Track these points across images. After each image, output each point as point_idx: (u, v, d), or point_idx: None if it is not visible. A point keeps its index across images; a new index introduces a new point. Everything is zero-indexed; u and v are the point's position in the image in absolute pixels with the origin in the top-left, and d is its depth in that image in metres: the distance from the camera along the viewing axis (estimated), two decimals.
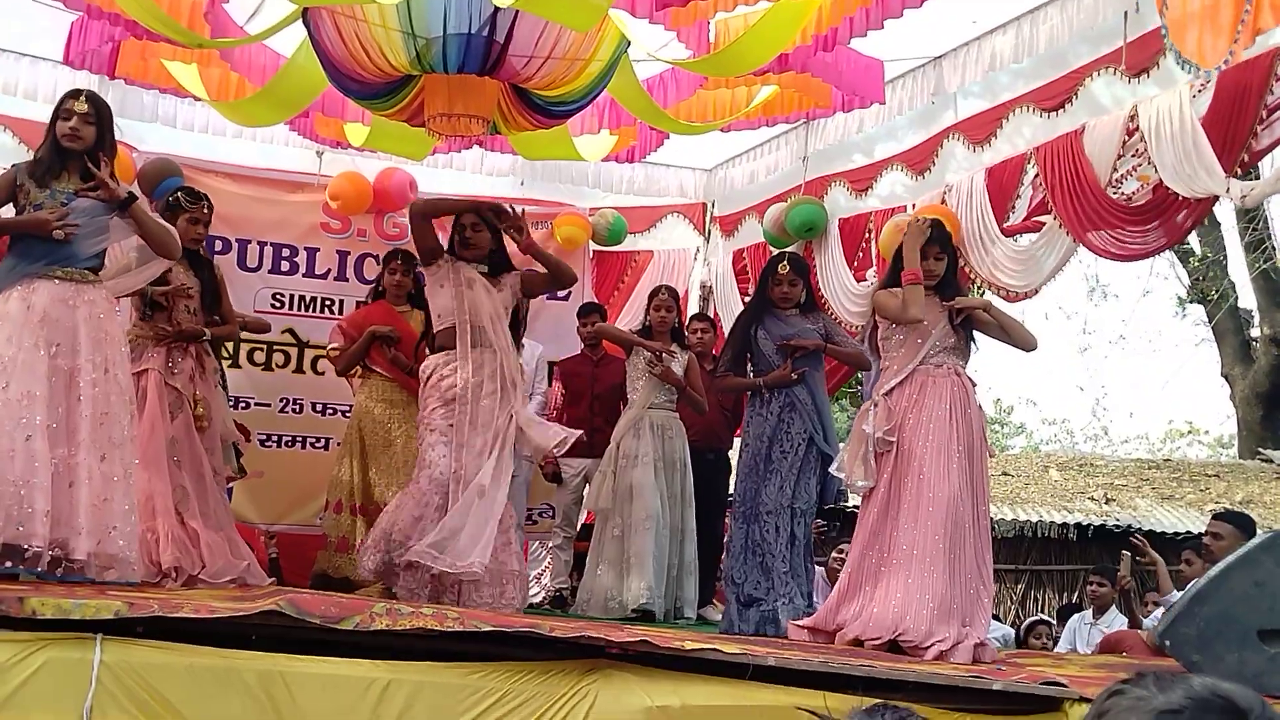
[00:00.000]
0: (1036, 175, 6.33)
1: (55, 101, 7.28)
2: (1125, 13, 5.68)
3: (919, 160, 7.27)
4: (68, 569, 4.53)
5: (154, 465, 5.62)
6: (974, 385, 5.27)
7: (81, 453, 4.65)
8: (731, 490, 6.43)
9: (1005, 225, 6.57)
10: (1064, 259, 6.33)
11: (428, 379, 5.95)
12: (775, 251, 8.24)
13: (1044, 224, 6.29)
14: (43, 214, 4.73)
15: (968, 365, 5.35)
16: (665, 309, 7.04)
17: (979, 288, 6.82)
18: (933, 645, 4.67)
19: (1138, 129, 5.72)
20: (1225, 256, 17.75)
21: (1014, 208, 6.56)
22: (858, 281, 7.53)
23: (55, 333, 4.69)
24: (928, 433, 5.05)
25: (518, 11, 5.34)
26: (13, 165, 4.98)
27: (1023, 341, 5.39)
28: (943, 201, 6.89)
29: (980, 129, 6.83)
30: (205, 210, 6.23)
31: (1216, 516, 6.65)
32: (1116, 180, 5.90)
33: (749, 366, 6.42)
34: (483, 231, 6.13)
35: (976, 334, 5.39)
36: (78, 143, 4.86)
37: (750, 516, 6.11)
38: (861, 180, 7.74)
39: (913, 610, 4.80)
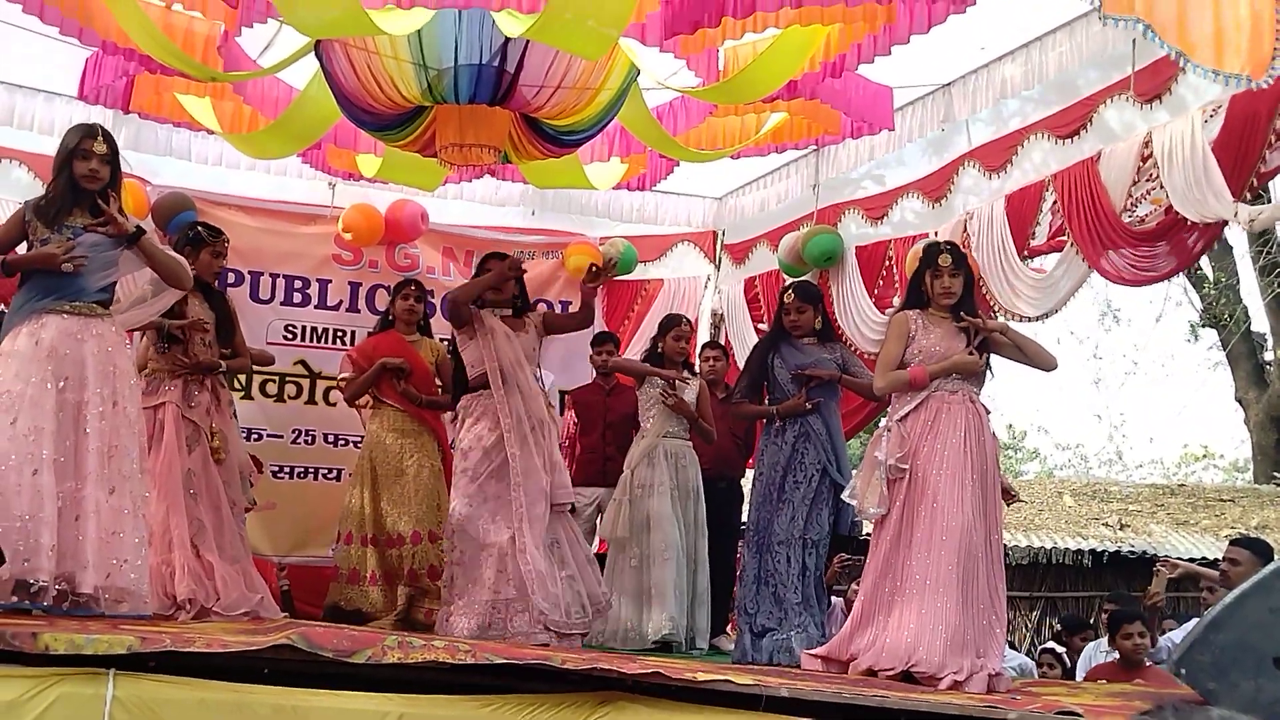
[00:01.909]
0: (1055, 202, 6.33)
1: None
2: (1134, 40, 5.69)
3: (935, 187, 7.26)
4: (74, 603, 4.51)
5: (170, 498, 5.66)
6: (988, 413, 5.22)
7: (89, 486, 4.63)
8: (745, 519, 6.40)
9: (1030, 247, 6.56)
10: (1078, 284, 6.33)
11: (462, 425, 6.05)
12: (788, 280, 8.25)
13: (1064, 243, 6.28)
14: (50, 248, 4.73)
15: (982, 391, 5.31)
16: (685, 339, 7.07)
17: (996, 315, 6.78)
18: (947, 675, 4.64)
19: (1151, 155, 5.73)
20: (1238, 281, 17.72)
21: (1034, 234, 6.55)
22: (881, 311, 7.50)
23: (63, 366, 4.69)
24: (942, 460, 5.01)
25: (528, 42, 5.38)
26: (22, 203, 4.98)
27: (1042, 362, 5.33)
28: (964, 229, 6.88)
29: (996, 156, 6.82)
30: (224, 244, 6.29)
31: (1234, 542, 6.60)
32: (1131, 205, 5.90)
33: (766, 396, 6.41)
34: (508, 281, 6.15)
35: (993, 358, 5.35)
36: (96, 183, 4.86)
37: (763, 546, 6.09)
38: (876, 208, 7.73)
39: (925, 640, 4.76)
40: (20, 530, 4.40)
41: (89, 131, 4.91)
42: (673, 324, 7.13)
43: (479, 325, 6.00)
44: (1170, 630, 7.48)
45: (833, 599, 9.25)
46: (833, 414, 6.29)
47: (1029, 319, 6.55)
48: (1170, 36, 4.41)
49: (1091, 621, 9.69)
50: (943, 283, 5.26)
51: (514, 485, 5.79)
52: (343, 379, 7.18)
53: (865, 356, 7.54)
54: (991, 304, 6.62)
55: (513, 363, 5.93)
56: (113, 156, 4.92)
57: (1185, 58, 4.43)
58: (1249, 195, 5.42)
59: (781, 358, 6.29)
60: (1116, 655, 6.72)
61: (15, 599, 4.42)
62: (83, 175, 4.83)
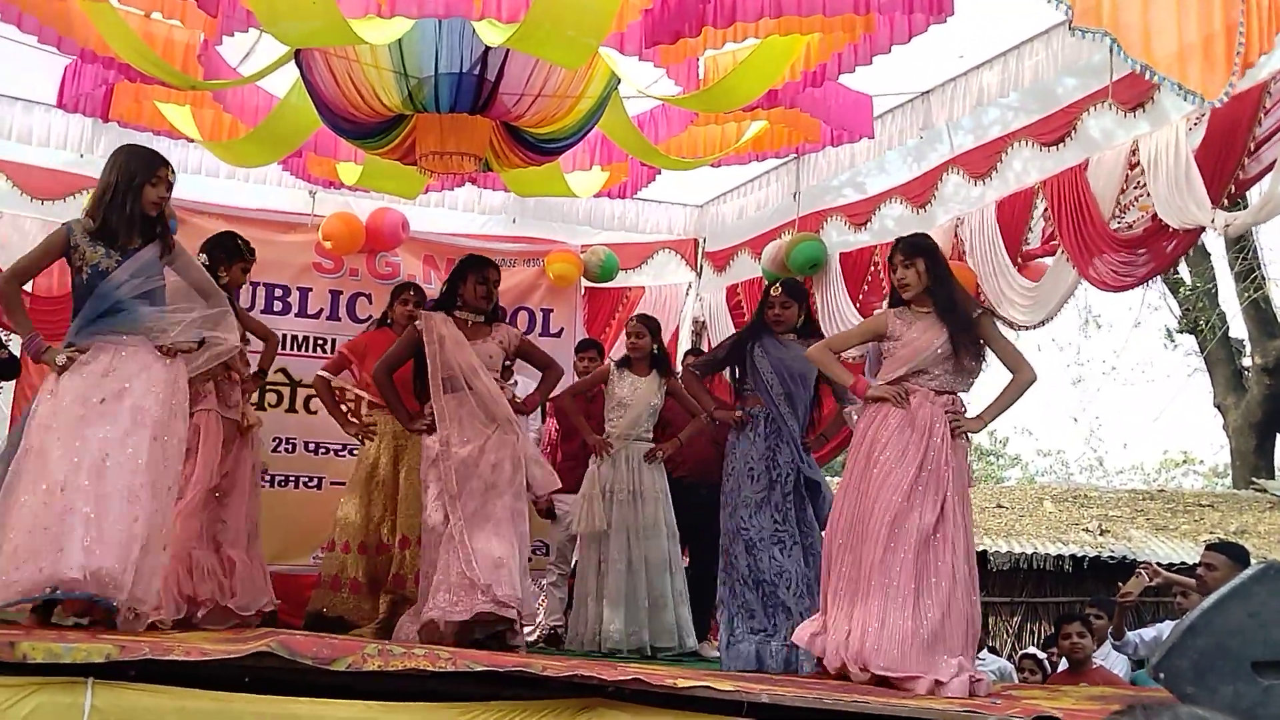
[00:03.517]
0: (1046, 209, 6.37)
1: (49, 144, 7.40)
2: (1110, 49, 5.73)
3: (919, 193, 7.31)
4: (104, 610, 4.52)
5: (201, 502, 5.79)
6: (963, 408, 5.15)
7: (120, 500, 4.59)
8: (734, 521, 6.34)
9: (1025, 252, 6.59)
10: (1069, 291, 6.37)
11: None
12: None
13: (1056, 248, 6.32)
14: (50, 356, 4.74)
15: (970, 385, 5.22)
16: (635, 335, 7.11)
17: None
18: (922, 679, 4.64)
19: (1139, 163, 5.79)
20: (1215, 286, 17.83)
21: (1027, 240, 6.59)
22: (865, 317, 7.53)
23: (110, 384, 4.70)
24: (900, 456, 4.96)
25: (508, 50, 5.39)
26: (64, 224, 4.92)
27: (1019, 369, 5.23)
28: (954, 235, 6.92)
29: (980, 163, 6.88)
30: (252, 263, 6.48)
31: (1210, 547, 6.64)
32: (1119, 212, 5.95)
33: (743, 386, 6.36)
34: (484, 286, 6.14)
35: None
36: (157, 210, 4.92)
37: (750, 546, 6.02)
38: (859, 214, 7.77)
39: (873, 641, 4.73)
40: (51, 540, 4.43)
41: (163, 160, 4.97)
42: (626, 324, 7.33)
43: (426, 336, 6.00)
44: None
45: None
46: (805, 413, 6.24)
47: (1025, 327, 6.58)
48: (1135, 51, 4.48)
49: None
50: (896, 275, 5.23)
51: (459, 482, 5.81)
52: (324, 374, 7.10)
53: (848, 362, 7.57)
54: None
55: (465, 369, 5.92)
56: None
57: (1151, 70, 4.49)
58: (1226, 202, 5.47)
59: (764, 348, 6.22)
60: (1105, 661, 6.79)
61: (47, 590, 4.43)
62: (151, 202, 4.86)
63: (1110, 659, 7.28)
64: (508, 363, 6.37)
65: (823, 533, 6.19)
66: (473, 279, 6.10)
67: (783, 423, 6.12)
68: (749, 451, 6.13)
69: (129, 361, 4.74)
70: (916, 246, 5.26)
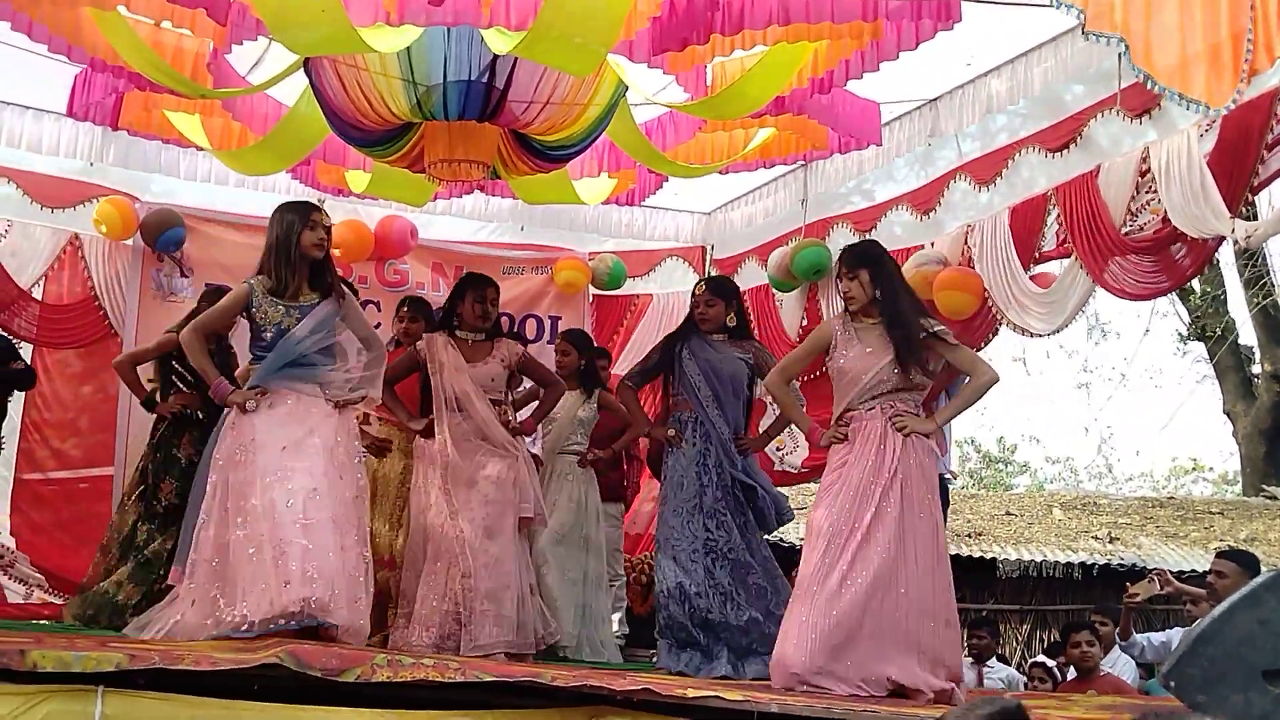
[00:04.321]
0: (1058, 215, 6.35)
1: (58, 153, 7.43)
2: (1120, 55, 5.73)
3: (925, 201, 7.30)
4: (325, 633, 4.69)
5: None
6: (912, 408, 4.96)
7: (329, 532, 4.86)
8: (663, 532, 6.10)
9: (1038, 258, 6.58)
10: (1084, 298, 6.33)
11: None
12: (778, 294, 8.27)
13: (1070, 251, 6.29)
14: (237, 397, 5.08)
15: (921, 394, 5.07)
16: (561, 353, 7.13)
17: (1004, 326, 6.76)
18: (834, 686, 4.52)
19: (1150, 170, 5.77)
20: (1225, 293, 17.77)
21: (1040, 248, 6.57)
22: None
23: (299, 427, 5.00)
24: (853, 474, 4.82)
25: (516, 58, 5.39)
26: (246, 282, 5.22)
27: (978, 372, 5.05)
28: (964, 243, 6.90)
29: (987, 170, 6.86)
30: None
31: (1220, 555, 6.62)
32: (1130, 218, 5.93)
33: (673, 391, 6.24)
34: (483, 305, 6.16)
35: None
36: (320, 252, 5.18)
37: (676, 559, 5.85)
38: (866, 221, 7.75)
39: (790, 645, 4.64)
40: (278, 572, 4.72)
41: (313, 205, 5.35)
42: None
43: (429, 361, 6.05)
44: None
45: None
46: (738, 418, 6.10)
47: (1040, 334, 6.56)
48: (1140, 59, 4.47)
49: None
50: (841, 287, 5.08)
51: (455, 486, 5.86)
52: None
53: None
54: (999, 319, 6.63)
55: (461, 394, 5.94)
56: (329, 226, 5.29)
57: (1152, 79, 4.49)
58: (1243, 210, 5.46)
59: (690, 351, 6.10)
60: (1113, 669, 6.77)
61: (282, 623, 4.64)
62: (312, 244, 5.17)
63: (1118, 663, 7.26)
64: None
65: (764, 536, 6.13)
66: (471, 297, 6.13)
67: (711, 426, 5.98)
68: (679, 459, 6.02)
69: (312, 407, 5.07)
70: (860, 256, 5.09)
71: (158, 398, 6.95)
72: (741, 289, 8.70)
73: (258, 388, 5.05)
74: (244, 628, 4.60)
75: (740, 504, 5.95)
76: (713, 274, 6.59)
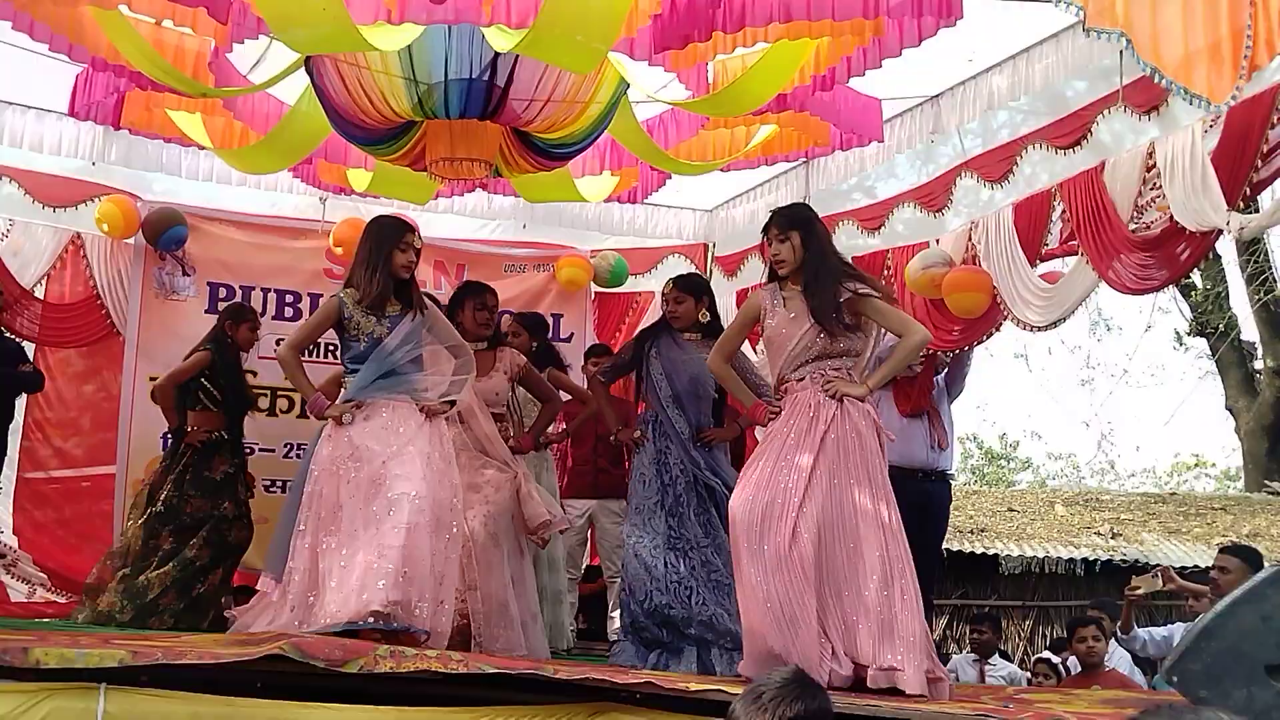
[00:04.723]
0: (1064, 210, 6.35)
1: (60, 152, 7.45)
2: (1121, 51, 5.73)
3: (932, 197, 7.29)
4: (409, 639, 4.71)
5: None
6: (842, 372, 4.73)
7: (425, 537, 4.92)
8: (626, 529, 6.02)
9: (1043, 254, 6.58)
10: (1085, 293, 6.33)
11: None
12: None
13: (1075, 248, 6.29)
14: (334, 411, 5.17)
15: (859, 358, 4.81)
16: (511, 334, 6.97)
17: (1006, 321, 6.75)
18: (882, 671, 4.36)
19: (1155, 165, 5.77)
20: (1226, 289, 17.76)
21: (1045, 243, 6.56)
22: None
23: (396, 437, 5.10)
24: (788, 447, 4.61)
25: (518, 56, 5.40)
26: (335, 296, 5.32)
27: (909, 331, 4.83)
28: (969, 239, 6.90)
29: (993, 166, 6.85)
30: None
31: (1223, 550, 6.63)
32: (1137, 214, 5.94)
33: (642, 387, 6.16)
34: (484, 312, 6.15)
35: None
36: (409, 273, 5.31)
37: (638, 555, 5.77)
38: (872, 218, 7.75)
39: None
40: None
41: (409, 226, 5.45)
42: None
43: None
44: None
45: None
46: (703, 418, 5.97)
47: (1037, 327, 6.56)
48: (1146, 54, 4.47)
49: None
50: (771, 250, 4.85)
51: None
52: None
53: None
54: (1004, 315, 6.63)
55: (464, 407, 5.86)
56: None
57: (1160, 74, 4.48)
58: (1242, 204, 5.47)
59: (658, 349, 6.01)
60: (1108, 663, 6.77)
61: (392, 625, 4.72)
62: (402, 265, 5.27)
63: (1113, 657, 7.26)
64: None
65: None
66: (471, 306, 6.12)
67: (670, 425, 5.90)
68: (642, 457, 5.96)
69: (407, 418, 5.17)
70: (792, 219, 4.85)
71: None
72: (743, 286, 8.76)
73: (352, 401, 5.16)
74: (331, 626, 4.64)
75: (704, 501, 5.86)
76: (683, 274, 6.45)
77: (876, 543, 4.48)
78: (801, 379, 4.70)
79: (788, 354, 4.74)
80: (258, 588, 5.47)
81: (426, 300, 5.56)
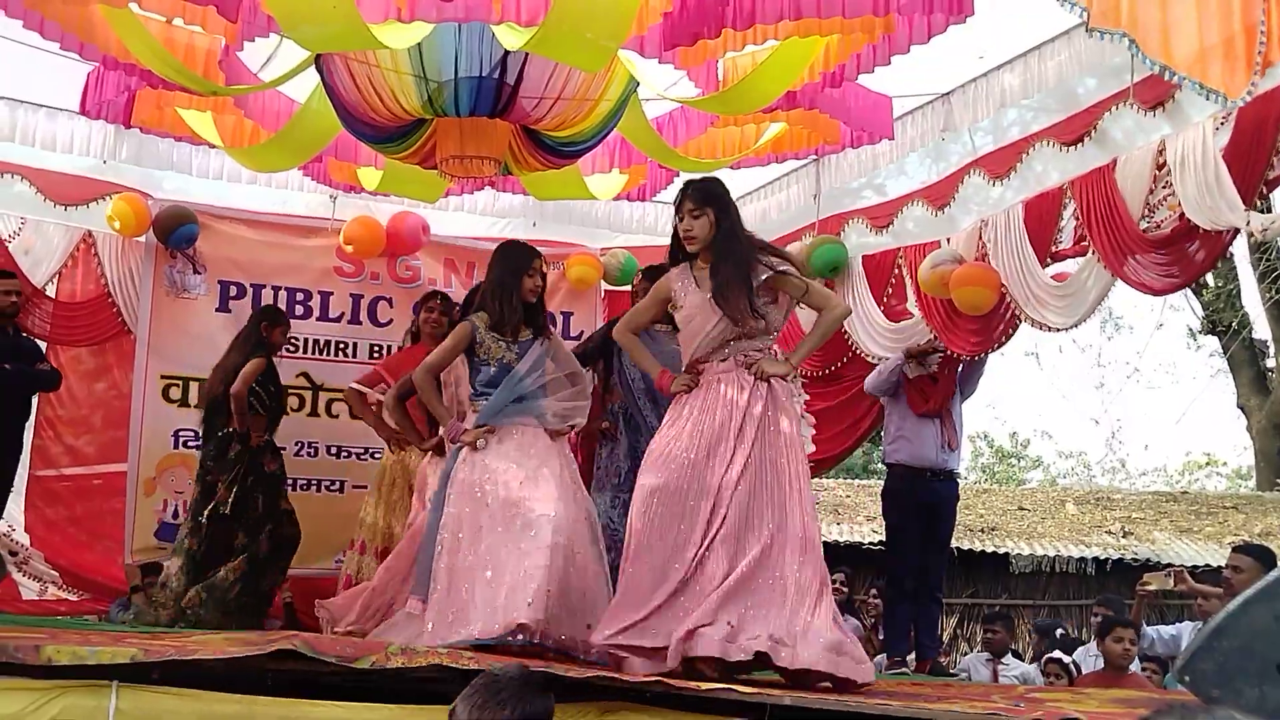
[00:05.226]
0: (1076, 209, 6.31)
1: (71, 150, 7.47)
2: (1130, 49, 5.71)
3: (940, 196, 7.27)
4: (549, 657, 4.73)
5: None
6: (763, 351, 4.63)
7: (560, 555, 4.97)
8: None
9: (1054, 253, 6.55)
10: (1103, 292, 6.27)
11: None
12: None
13: (1087, 249, 6.25)
14: (469, 437, 5.26)
15: (773, 336, 4.69)
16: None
17: (1021, 323, 6.71)
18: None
19: (1165, 163, 5.74)
20: (1238, 287, 17.72)
21: (1057, 241, 6.53)
22: (891, 320, 7.50)
23: (531, 460, 5.20)
24: (695, 436, 4.52)
25: (527, 54, 5.40)
26: (467, 320, 5.41)
27: (829, 306, 4.78)
28: (979, 237, 6.88)
29: (1002, 164, 6.82)
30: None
31: (1237, 549, 6.60)
32: (1149, 212, 5.91)
33: (612, 377, 6.13)
34: None
35: None
36: (535, 299, 5.44)
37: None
38: (881, 216, 7.73)
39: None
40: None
41: (536, 252, 5.54)
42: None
43: (445, 372, 6.00)
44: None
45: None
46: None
47: (1059, 329, 6.52)
48: (1154, 51, 4.45)
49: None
50: (683, 225, 4.67)
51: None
52: (358, 387, 7.20)
53: (867, 357, 7.56)
54: (1019, 316, 6.60)
55: None
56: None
57: (1170, 70, 4.46)
58: (1258, 202, 5.44)
59: None
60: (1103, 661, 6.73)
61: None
62: (530, 290, 5.40)
63: None
64: None
65: None
66: None
67: (641, 418, 5.90)
68: (616, 452, 5.94)
69: (536, 440, 5.29)
70: (706, 194, 4.67)
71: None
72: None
73: (485, 426, 5.25)
74: (477, 640, 4.70)
75: None
76: (651, 265, 6.31)
77: (784, 536, 4.38)
78: (725, 359, 4.60)
79: (706, 335, 4.61)
80: (407, 610, 5.45)
81: (555, 335, 5.66)
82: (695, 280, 4.66)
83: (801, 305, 4.96)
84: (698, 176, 5.09)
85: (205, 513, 6.93)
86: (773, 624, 4.25)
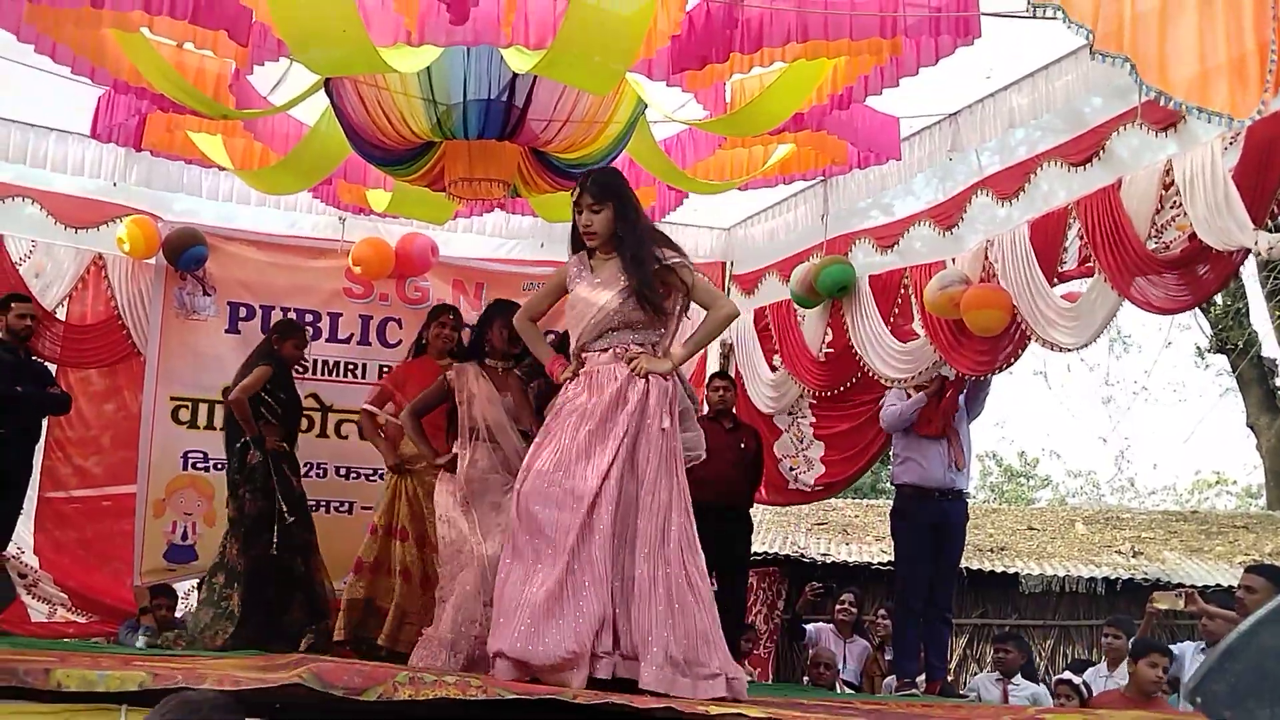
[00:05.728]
0: (1081, 229, 6.31)
1: (82, 173, 7.51)
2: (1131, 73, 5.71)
3: (947, 216, 7.27)
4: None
5: None
6: (645, 347, 4.55)
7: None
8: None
9: (1060, 274, 6.54)
10: (1112, 312, 6.26)
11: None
12: (800, 310, 8.26)
13: (1093, 269, 6.24)
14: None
15: (662, 333, 4.62)
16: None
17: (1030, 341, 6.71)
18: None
19: (1173, 183, 5.74)
20: (1246, 305, 17.67)
21: (1063, 261, 6.51)
22: (900, 340, 7.50)
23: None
24: (583, 424, 4.44)
25: (536, 77, 5.41)
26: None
27: (716, 305, 4.71)
28: (985, 257, 6.88)
29: (1009, 184, 6.82)
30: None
31: (1249, 569, 6.57)
32: (1156, 231, 5.89)
33: None
34: (510, 330, 6.13)
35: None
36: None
37: None
38: (888, 236, 7.74)
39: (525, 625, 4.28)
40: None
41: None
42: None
43: (457, 392, 5.98)
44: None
45: (805, 627, 9.24)
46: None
47: (1069, 349, 6.51)
48: (1152, 77, 4.45)
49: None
50: (582, 219, 4.65)
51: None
52: (370, 409, 7.15)
53: (879, 378, 7.55)
54: (1029, 335, 6.59)
55: (495, 425, 5.88)
56: None
57: (1167, 96, 4.46)
58: (1269, 223, 5.43)
59: None
60: (1124, 682, 6.68)
61: None
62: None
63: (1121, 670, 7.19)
64: None
65: None
66: (499, 324, 6.09)
67: None
68: None
69: None
70: (605, 188, 4.65)
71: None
72: (761, 305, 8.76)
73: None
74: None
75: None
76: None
77: (656, 536, 4.33)
78: (605, 349, 4.54)
79: (589, 321, 4.55)
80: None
81: None
82: (591, 268, 4.65)
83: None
84: (595, 168, 5.08)
85: (246, 531, 6.95)
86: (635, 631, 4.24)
